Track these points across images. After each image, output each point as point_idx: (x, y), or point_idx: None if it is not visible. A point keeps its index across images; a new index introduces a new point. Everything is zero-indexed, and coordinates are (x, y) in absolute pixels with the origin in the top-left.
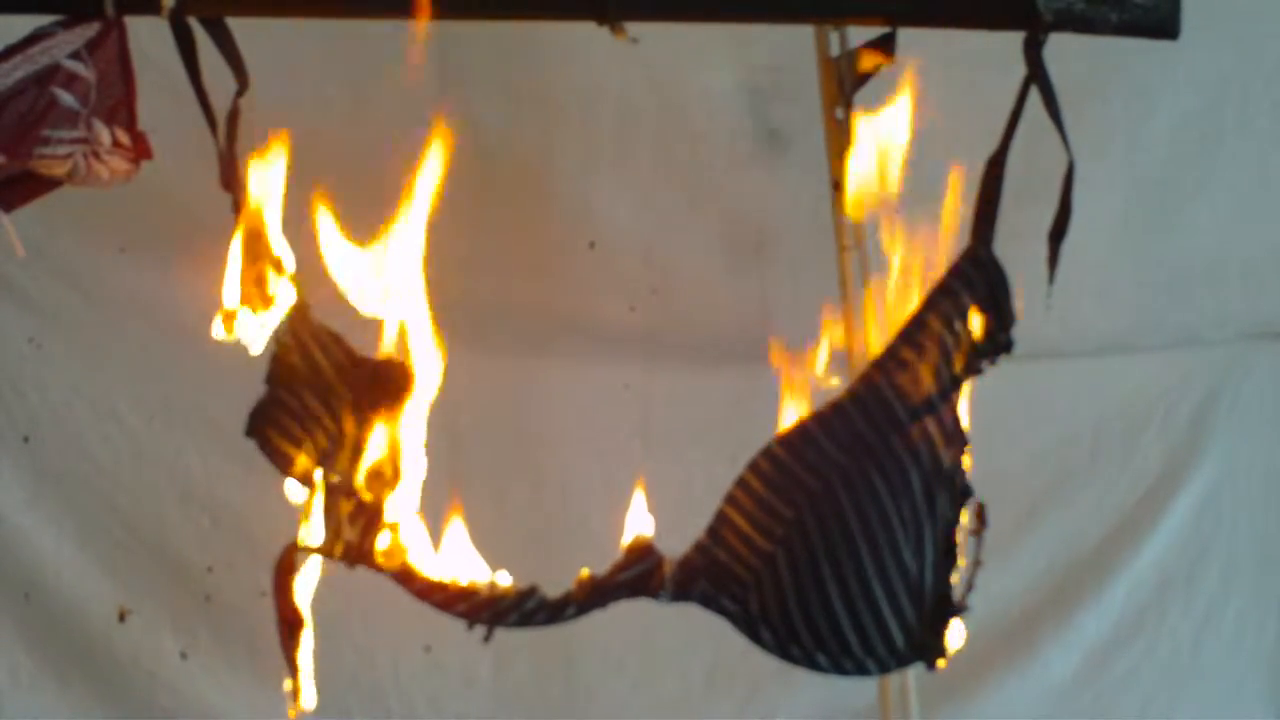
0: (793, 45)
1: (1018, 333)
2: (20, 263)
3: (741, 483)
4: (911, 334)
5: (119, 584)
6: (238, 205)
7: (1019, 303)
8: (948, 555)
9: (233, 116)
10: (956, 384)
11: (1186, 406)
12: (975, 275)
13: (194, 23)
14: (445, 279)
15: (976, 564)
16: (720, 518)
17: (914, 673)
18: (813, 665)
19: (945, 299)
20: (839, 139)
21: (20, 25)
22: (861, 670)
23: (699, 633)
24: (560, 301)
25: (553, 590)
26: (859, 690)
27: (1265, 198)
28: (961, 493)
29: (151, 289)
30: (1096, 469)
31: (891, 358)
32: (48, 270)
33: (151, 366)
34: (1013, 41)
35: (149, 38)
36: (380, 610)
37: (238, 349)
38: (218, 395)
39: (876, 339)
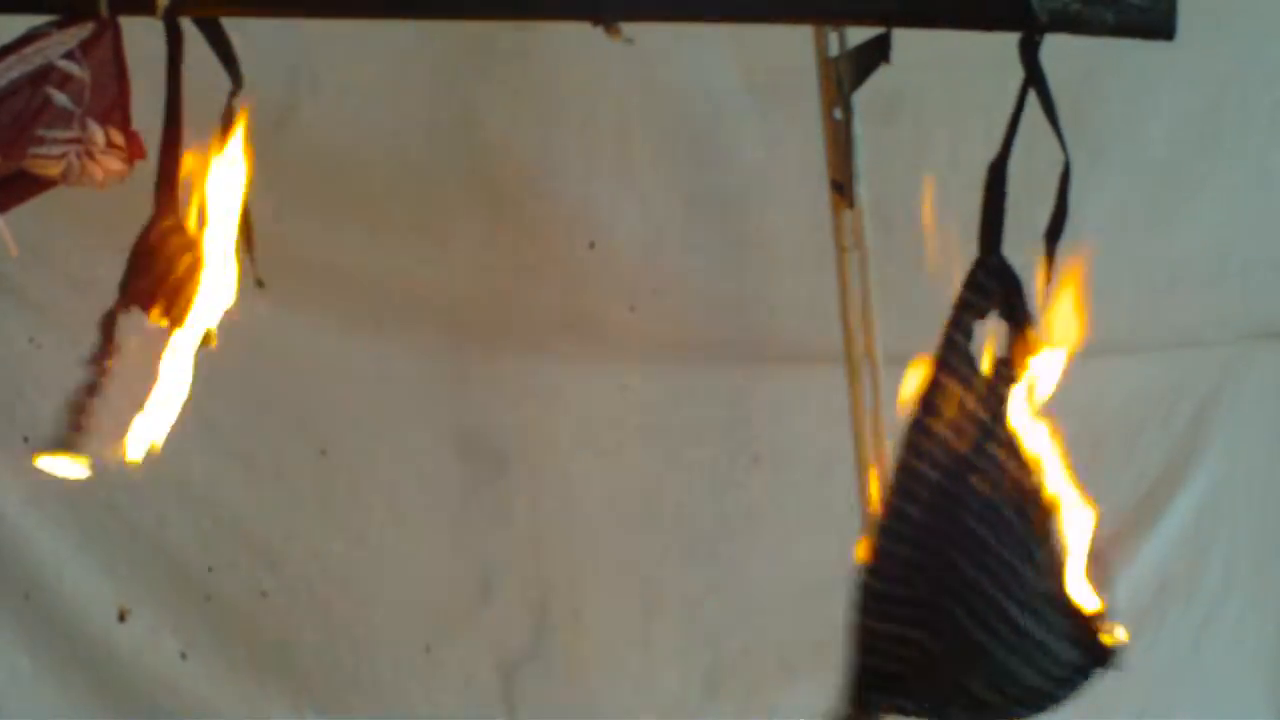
0: (792, 46)
1: None
2: (20, 262)
3: (863, 588)
4: (945, 358)
5: (119, 584)
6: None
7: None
8: (1062, 558)
9: (227, 116)
10: (1002, 399)
11: (1186, 406)
12: (990, 283)
13: (187, 23)
14: (445, 279)
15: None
16: (859, 630)
17: None
18: (1010, 715)
19: (967, 313)
20: (837, 139)
21: (14, 25)
22: (1054, 699)
23: (699, 633)
24: (560, 301)
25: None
26: None
27: (1265, 198)
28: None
29: None
30: (1096, 469)
31: (936, 391)
32: (47, 270)
33: (150, 367)
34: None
35: (144, 38)
36: (380, 610)
37: (237, 349)
38: (217, 395)
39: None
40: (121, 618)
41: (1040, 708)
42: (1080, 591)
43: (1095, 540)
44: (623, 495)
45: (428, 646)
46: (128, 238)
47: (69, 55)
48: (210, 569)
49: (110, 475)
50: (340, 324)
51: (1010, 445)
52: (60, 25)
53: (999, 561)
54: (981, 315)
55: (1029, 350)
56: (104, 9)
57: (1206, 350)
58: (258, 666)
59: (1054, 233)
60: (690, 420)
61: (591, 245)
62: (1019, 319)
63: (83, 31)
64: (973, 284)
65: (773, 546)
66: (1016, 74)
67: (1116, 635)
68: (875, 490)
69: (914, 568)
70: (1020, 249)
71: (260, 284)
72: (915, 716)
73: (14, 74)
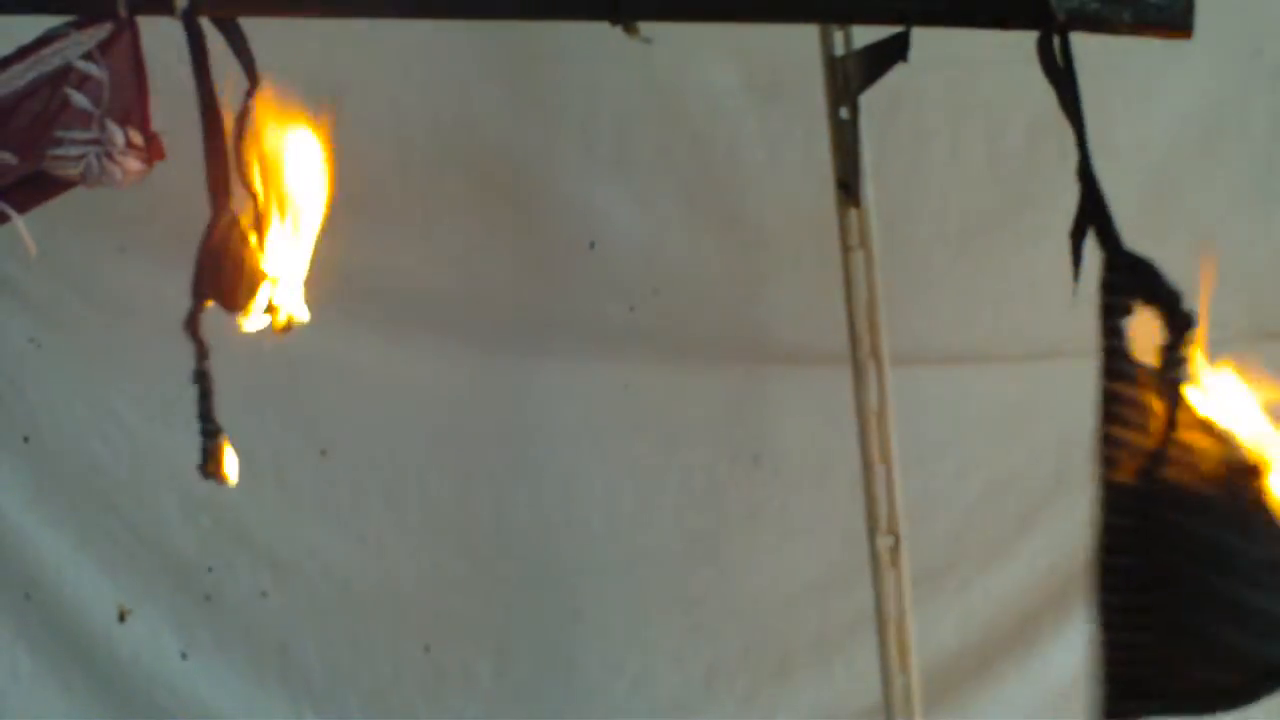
0: (794, 45)
1: (1017, 333)
2: (20, 262)
3: (1096, 604)
4: (1109, 366)
5: (119, 584)
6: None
7: (1023, 305)
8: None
9: (242, 116)
10: (1177, 385)
11: None
12: (1124, 278)
13: (206, 23)
14: (446, 278)
15: None
16: (1100, 646)
17: (917, 672)
18: (1253, 699)
19: (1113, 316)
20: (843, 138)
21: (32, 26)
22: None
23: (699, 633)
24: (560, 301)
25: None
26: (859, 690)
27: (1265, 198)
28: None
29: (151, 289)
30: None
31: (1112, 401)
32: (48, 270)
33: (151, 366)
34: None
35: (159, 38)
36: (380, 610)
37: (237, 349)
38: (218, 395)
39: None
40: (121, 618)
41: None
42: None
43: None
44: (623, 495)
45: (428, 646)
46: (129, 238)
47: (87, 56)
48: (210, 569)
49: (110, 475)
50: (340, 324)
51: (1200, 426)
52: (78, 26)
53: (1213, 545)
54: (1127, 311)
55: (1186, 327)
56: (122, 9)
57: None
58: (258, 666)
59: (1079, 231)
60: (690, 420)
61: (591, 245)
62: (1166, 301)
63: (101, 32)
64: (1108, 285)
65: (773, 546)
66: (1016, 74)
67: None
68: (879, 492)
69: (1135, 576)
70: (1020, 248)
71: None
72: (1165, 716)
73: (32, 75)
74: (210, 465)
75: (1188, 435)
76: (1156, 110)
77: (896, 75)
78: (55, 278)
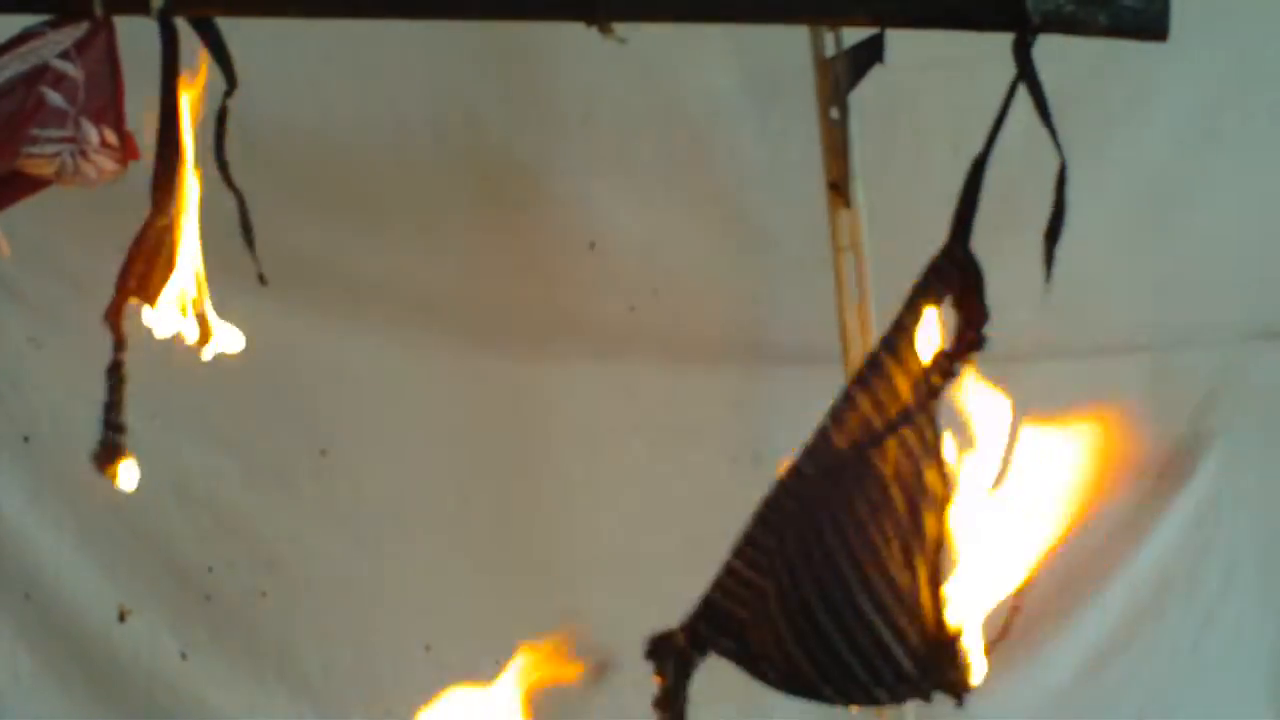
0: (791, 46)
1: (1020, 333)
2: (20, 262)
3: (744, 529)
4: (892, 341)
5: (119, 584)
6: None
7: (1022, 305)
8: (942, 571)
9: (221, 117)
10: (934, 391)
11: (1186, 406)
12: (951, 272)
13: (181, 23)
14: (445, 279)
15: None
16: (723, 566)
17: None
18: (819, 697)
19: (922, 297)
20: (834, 139)
21: (9, 25)
22: (872, 699)
23: None
24: (560, 301)
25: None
26: None
27: (1264, 198)
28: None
29: None
30: None
31: (872, 368)
32: (47, 270)
33: (151, 366)
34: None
35: (139, 37)
36: (380, 610)
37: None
38: (217, 395)
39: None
40: (121, 618)
41: (848, 699)
42: (947, 611)
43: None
44: (623, 495)
45: (428, 646)
46: (128, 237)
47: (63, 54)
48: (210, 569)
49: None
50: (340, 324)
51: (925, 438)
52: (55, 25)
53: (867, 547)
54: (937, 302)
55: (972, 346)
56: (98, 8)
57: (1206, 350)
58: (258, 666)
59: (1052, 233)
60: (690, 420)
61: (591, 245)
62: (971, 315)
63: (77, 31)
64: (935, 270)
65: None
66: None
67: (969, 671)
68: None
69: (789, 524)
70: (1019, 248)
71: (263, 280)
72: (735, 662)
73: (8, 73)
74: (104, 459)
75: (913, 438)
76: (1156, 109)
77: (897, 75)
78: (55, 278)
